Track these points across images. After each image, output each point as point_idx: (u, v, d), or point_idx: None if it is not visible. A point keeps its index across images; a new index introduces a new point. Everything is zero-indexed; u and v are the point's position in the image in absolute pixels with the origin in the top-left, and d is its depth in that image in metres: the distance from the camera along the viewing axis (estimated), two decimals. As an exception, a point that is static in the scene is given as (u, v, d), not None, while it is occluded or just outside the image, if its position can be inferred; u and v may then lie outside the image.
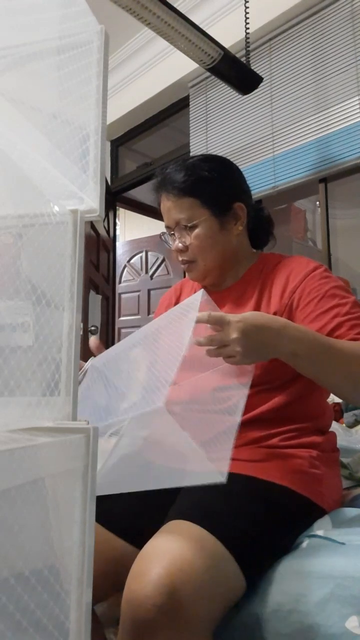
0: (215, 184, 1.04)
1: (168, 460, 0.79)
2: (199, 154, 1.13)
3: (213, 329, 0.82)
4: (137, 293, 4.93)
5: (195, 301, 0.83)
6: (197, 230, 1.04)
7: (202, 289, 0.87)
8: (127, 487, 0.83)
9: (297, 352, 0.85)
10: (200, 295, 0.84)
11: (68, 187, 0.55)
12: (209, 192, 1.04)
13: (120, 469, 0.85)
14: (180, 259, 1.09)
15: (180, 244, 1.06)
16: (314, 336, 0.87)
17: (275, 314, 0.98)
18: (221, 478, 0.69)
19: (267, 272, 1.07)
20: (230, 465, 0.89)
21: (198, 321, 0.80)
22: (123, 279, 5.04)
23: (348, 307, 0.94)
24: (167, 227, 1.09)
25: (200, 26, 2.14)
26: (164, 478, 0.78)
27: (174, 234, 1.08)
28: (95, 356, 0.99)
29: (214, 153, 3.06)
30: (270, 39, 2.83)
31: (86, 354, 1.02)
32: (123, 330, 4.91)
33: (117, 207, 4.33)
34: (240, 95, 2.66)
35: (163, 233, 1.13)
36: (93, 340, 1.02)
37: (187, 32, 2.08)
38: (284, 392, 0.97)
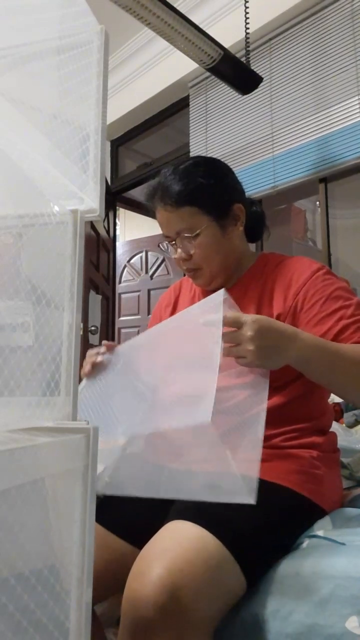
0: (212, 189, 1.02)
1: (195, 473, 0.78)
2: (190, 157, 1.11)
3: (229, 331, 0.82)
4: (137, 293, 4.93)
5: (218, 302, 0.83)
6: (200, 239, 1.02)
7: (223, 288, 0.86)
8: (143, 492, 0.82)
9: (308, 358, 0.85)
10: (221, 295, 0.84)
11: (68, 187, 0.55)
12: (207, 198, 1.02)
13: (138, 472, 0.86)
14: (184, 267, 1.08)
15: (183, 254, 1.05)
16: (323, 343, 0.87)
17: (279, 315, 0.98)
18: (250, 499, 0.68)
19: (268, 273, 1.06)
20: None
21: (214, 324, 0.80)
22: (123, 279, 5.04)
23: (352, 309, 0.94)
24: (166, 237, 1.07)
25: (200, 26, 2.14)
26: (187, 489, 0.78)
27: (174, 244, 1.07)
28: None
29: (214, 153, 3.06)
30: (270, 39, 2.83)
31: (86, 354, 1.02)
32: (123, 330, 4.91)
33: (117, 207, 4.33)
34: (240, 95, 2.66)
35: (163, 243, 1.12)
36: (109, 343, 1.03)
37: (187, 32, 2.08)
38: (284, 393, 0.97)
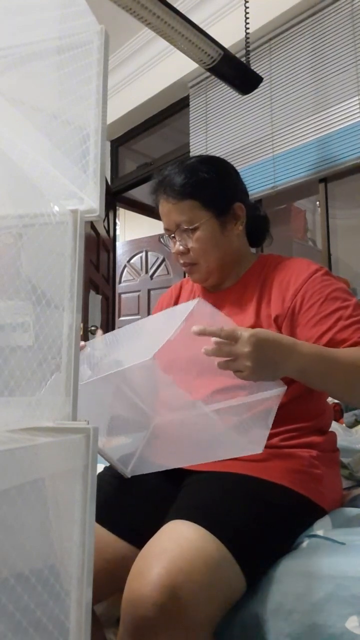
0: (214, 185, 1.04)
1: (199, 439, 0.84)
2: (196, 155, 1.13)
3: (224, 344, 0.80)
4: (137, 293, 4.93)
5: (190, 304, 0.85)
6: (198, 233, 1.03)
7: (199, 298, 0.87)
8: (165, 466, 0.91)
9: (306, 369, 0.85)
10: (194, 301, 0.86)
11: (68, 187, 0.55)
12: (209, 193, 1.03)
13: (160, 450, 0.92)
14: (181, 261, 1.08)
15: (181, 247, 1.06)
16: (320, 352, 0.87)
17: (277, 317, 0.98)
18: (258, 449, 0.74)
19: (267, 273, 1.06)
20: (230, 465, 0.89)
21: (210, 334, 0.79)
22: (123, 279, 5.04)
23: (350, 310, 0.94)
24: (166, 230, 1.09)
25: (200, 26, 2.14)
26: (197, 454, 0.86)
27: (174, 237, 1.08)
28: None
29: (214, 153, 3.07)
30: (270, 39, 2.83)
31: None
32: (123, 330, 4.91)
33: (117, 207, 4.33)
34: (240, 95, 2.66)
35: (162, 236, 1.12)
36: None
37: (187, 32, 2.07)
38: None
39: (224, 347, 0.79)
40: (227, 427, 0.74)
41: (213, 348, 0.80)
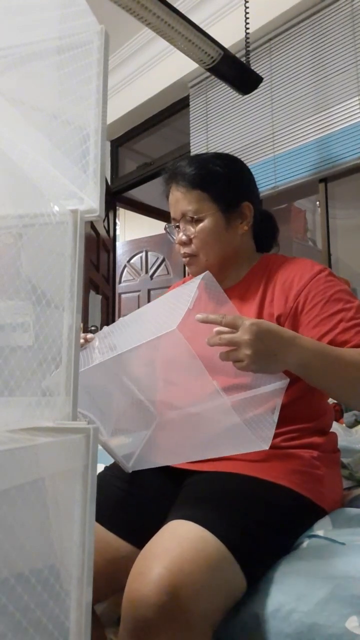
0: (226, 180, 1.05)
1: (204, 431, 0.84)
2: (212, 152, 1.13)
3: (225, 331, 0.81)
4: (137, 293, 4.93)
5: (198, 279, 0.85)
6: (202, 224, 1.04)
7: (207, 271, 0.88)
8: (166, 461, 0.92)
9: (306, 363, 0.85)
10: (201, 275, 0.86)
11: (68, 187, 0.55)
12: (219, 187, 1.04)
13: (163, 445, 0.93)
14: (182, 251, 1.09)
15: (183, 237, 1.06)
16: (322, 348, 0.87)
17: (279, 316, 0.98)
18: (264, 446, 0.74)
19: (270, 273, 1.06)
20: (231, 465, 0.89)
21: (211, 322, 0.80)
22: (123, 279, 5.05)
23: (353, 312, 0.94)
24: (173, 219, 1.10)
25: (200, 26, 2.14)
26: (206, 449, 0.85)
27: (178, 227, 1.08)
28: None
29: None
30: (270, 39, 2.83)
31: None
32: (123, 330, 4.90)
33: (117, 207, 4.33)
34: (240, 96, 2.66)
35: (168, 225, 1.13)
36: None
37: (187, 32, 2.07)
38: (285, 393, 0.97)
39: (225, 335, 0.80)
40: (241, 421, 0.74)
41: (214, 336, 0.80)
